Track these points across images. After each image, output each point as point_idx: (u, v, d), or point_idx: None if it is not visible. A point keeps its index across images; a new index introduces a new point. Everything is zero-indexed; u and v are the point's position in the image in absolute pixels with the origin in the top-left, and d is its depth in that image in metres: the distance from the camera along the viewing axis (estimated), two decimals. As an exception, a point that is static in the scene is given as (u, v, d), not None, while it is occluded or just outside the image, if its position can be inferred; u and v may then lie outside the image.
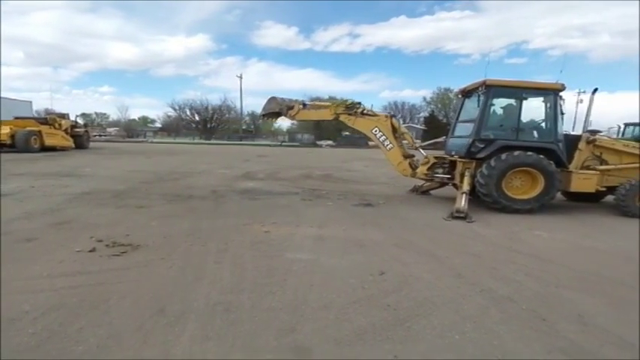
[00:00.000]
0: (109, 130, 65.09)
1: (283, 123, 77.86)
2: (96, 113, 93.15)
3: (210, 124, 69.46)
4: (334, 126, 59.72)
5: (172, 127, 73.02)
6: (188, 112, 70.30)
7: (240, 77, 64.00)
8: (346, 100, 9.28)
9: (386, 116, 9.40)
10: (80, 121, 30.29)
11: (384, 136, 9.13)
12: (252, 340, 2.78)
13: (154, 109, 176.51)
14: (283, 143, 51.17)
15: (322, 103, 9.36)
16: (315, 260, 4.58)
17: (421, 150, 9.88)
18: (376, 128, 9.13)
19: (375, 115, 9.35)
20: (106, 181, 11.09)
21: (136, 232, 5.54)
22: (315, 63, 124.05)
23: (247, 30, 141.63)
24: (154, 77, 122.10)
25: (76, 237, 5.24)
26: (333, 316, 3.17)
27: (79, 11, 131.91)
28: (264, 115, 9.68)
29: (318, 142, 50.04)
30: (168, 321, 3.01)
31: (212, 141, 55.22)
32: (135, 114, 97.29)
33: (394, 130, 9.25)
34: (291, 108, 8.99)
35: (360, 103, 9.25)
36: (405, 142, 9.53)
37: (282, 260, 4.54)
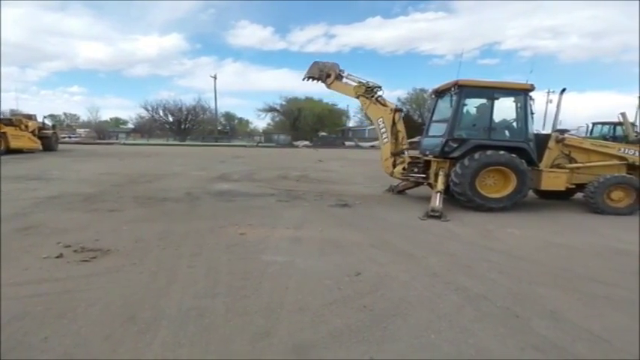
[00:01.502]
0: (79, 131, 63.12)
1: (259, 123, 77.60)
2: (65, 114, 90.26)
3: (185, 125, 68.23)
4: (310, 126, 60.01)
5: (145, 129, 71.26)
6: (161, 113, 68.80)
7: (215, 77, 63.13)
8: (368, 82, 9.63)
9: (391, 109, 9.56)
10: (48, 122, 29.31)
11: (384, 128, 9.45)
12: (226, 345, 2.72)
13: (127, 110, 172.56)
14: (259, 144, 50.82)
15: (355, 77, 9.93)
16: (291, 262, 4.54)
17: (406, 151, 9.94)
18: (381, 119, 9.46)
19: (385, 105, 9.60)
20: (76, 184, 10.75)
21: (106, 237, 5.38)
22: (291, 63, 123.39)
23: (222, 30, 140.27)
24: (127, 77, 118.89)
25: (43, 243, 5.05)
26: (309, 319, 3.13)
27: (47, 9, 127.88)
28: (307, 78, 10.35)
29: (295, 143, 49.90)
30: (139, 328, 2.91)
31: (187, 142, 54.31)
32: (106, 115, 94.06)
33: (393, 124, 9.42)
34: (329, 76, 9.78)
35: (380, 88, 9.64)
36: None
37: (258, 263, 4.48)
